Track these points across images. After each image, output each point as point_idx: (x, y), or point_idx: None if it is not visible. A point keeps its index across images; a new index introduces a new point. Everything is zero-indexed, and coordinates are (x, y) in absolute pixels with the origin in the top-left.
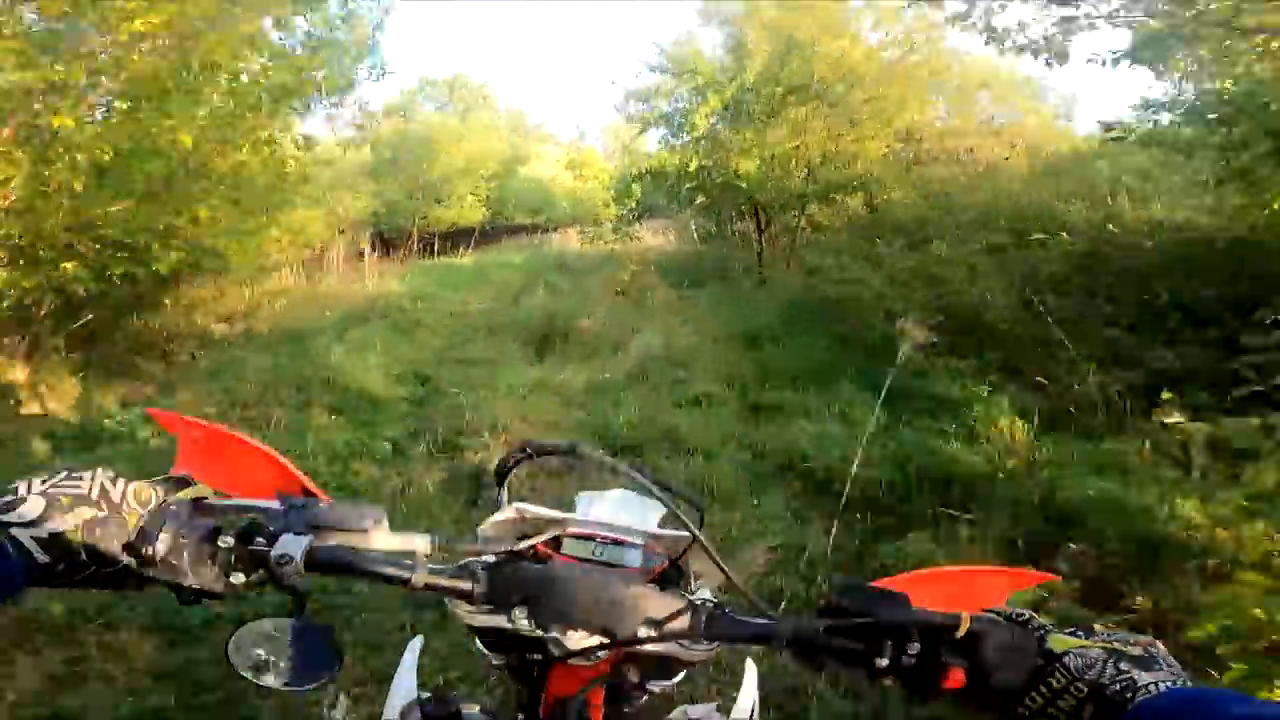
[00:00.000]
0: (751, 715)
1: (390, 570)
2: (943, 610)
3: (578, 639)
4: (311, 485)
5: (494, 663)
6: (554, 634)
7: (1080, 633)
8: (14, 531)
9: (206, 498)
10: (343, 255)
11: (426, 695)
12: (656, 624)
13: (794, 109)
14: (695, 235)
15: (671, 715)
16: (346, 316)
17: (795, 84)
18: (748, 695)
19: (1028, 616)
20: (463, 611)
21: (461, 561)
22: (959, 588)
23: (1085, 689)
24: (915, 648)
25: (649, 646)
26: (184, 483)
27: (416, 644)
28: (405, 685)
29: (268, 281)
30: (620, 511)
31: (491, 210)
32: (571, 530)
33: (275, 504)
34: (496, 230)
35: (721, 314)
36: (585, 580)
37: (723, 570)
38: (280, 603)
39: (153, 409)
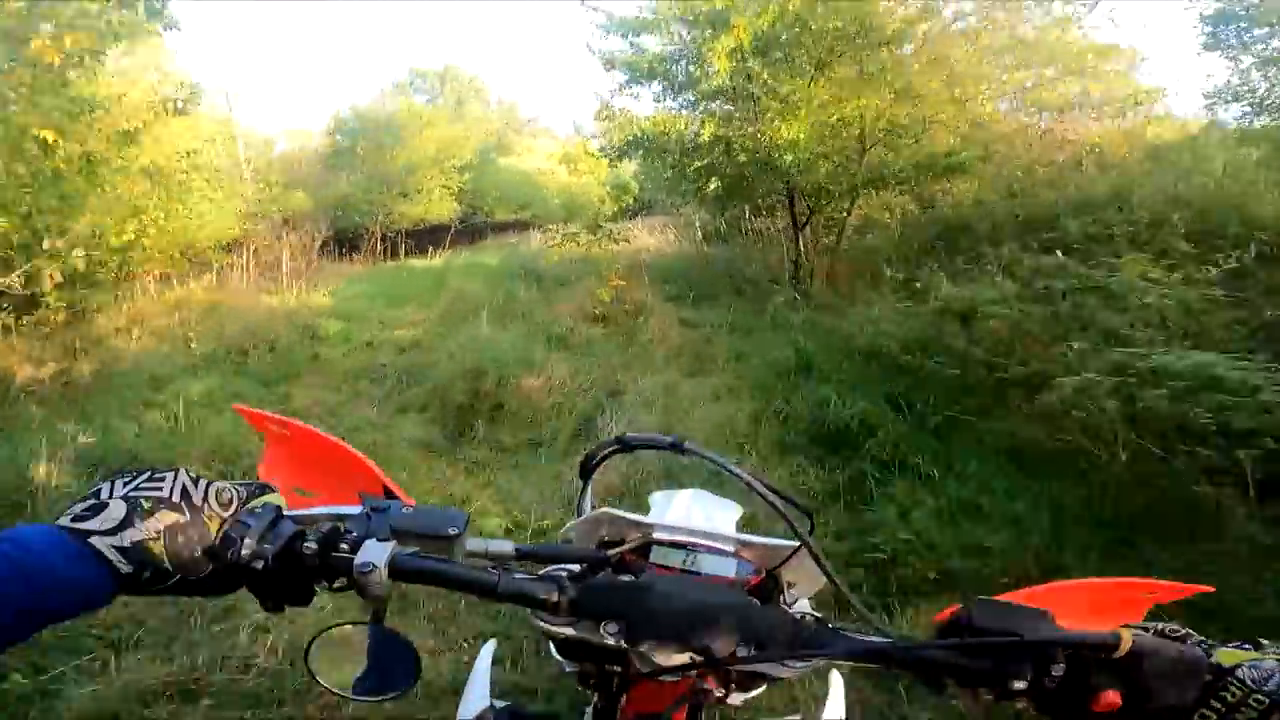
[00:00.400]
0: None
1: (476, 578)
2: (1084, 626)
3: (669, 655)
4: (393, 486)
5: (568, 669)
6: (644, 649)
7: (1248, 646)
8: (93, 541)
9: (282, 506)
10: (256, 262)
11: (502, 705)
12: (759, 642)
13: (866, 54)
14: (700, 234)
15: None
16: (222, 350)
17: (862, 22)
18: (835, 708)
19: (1184, 632)
20: (544, 620)
21: (547, 570)
22: (1097, 601)
23: (1266, 700)
24: (1060, 669)
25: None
26: (265, 488)
27: (489, 648)
28: (478, 691)
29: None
30: (699, 511)
31: (467, 205)
32: (661, 537)
33: (357, 508)
34: (478, 228)
35: (751, 360)
36: (681, 595)
37: (834, 582)
38: None
39: (239, 405)
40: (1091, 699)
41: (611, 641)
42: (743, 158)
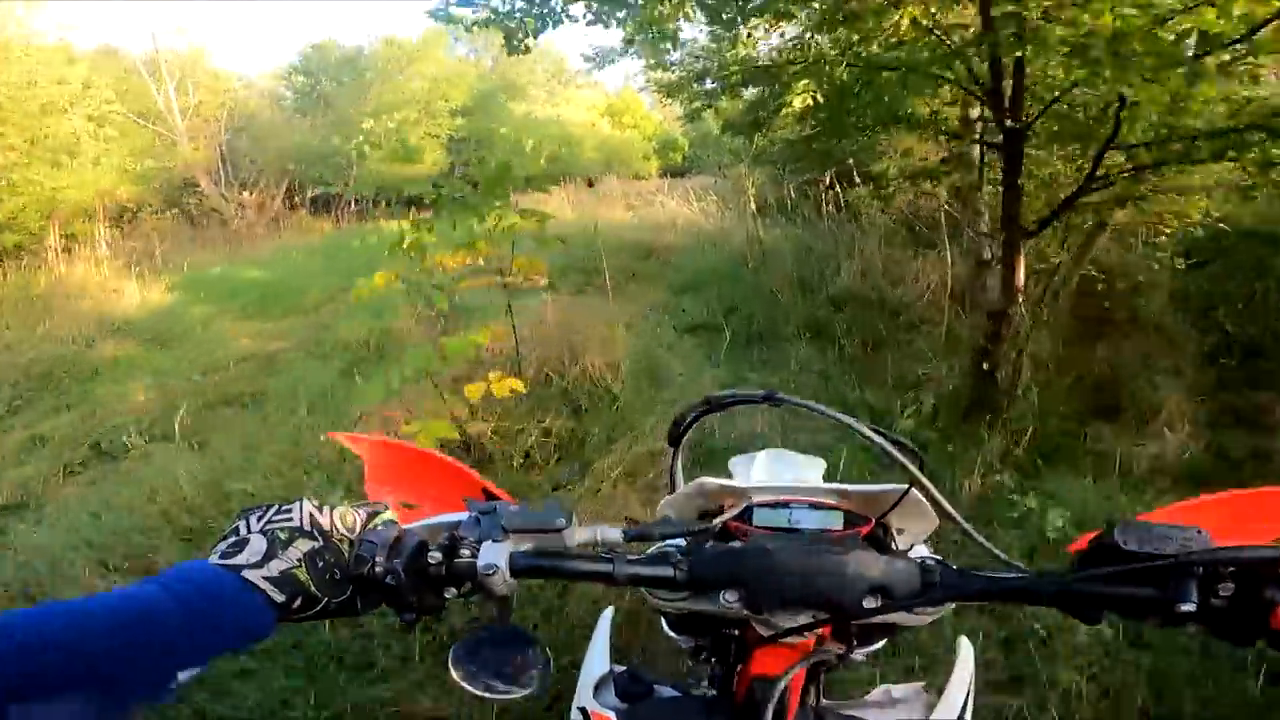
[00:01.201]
0: (966, 700)
1: (592, 567)
2: (1244, 540)
3: (792, 616)
4: (493, 488)
5: (683, 646)
6: (765, 614)
7: None
8: (245, 574)
9: (396, 520)
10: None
11: (620, 669)
12: (886, 592)
13: None
14: (753, 205)
15: (872, 695)
16: None
17: None
18: (962, 677)
19: None
20: (661, 598)
21: (656, 548)
22: (1254, 511)
23: None
24: (1229, 588)
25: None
26: (380, 507)
27: (608, 615)
28: (599, 657)
29: None
30: (786, 470)
31: (467, 156)
32: (760, 499)
33: (464, 514)
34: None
35: None
36: (797, 553)
37: (954, 519)
38: None
39: (334, 433)
40: (1269, 615)
41: (734, 609)
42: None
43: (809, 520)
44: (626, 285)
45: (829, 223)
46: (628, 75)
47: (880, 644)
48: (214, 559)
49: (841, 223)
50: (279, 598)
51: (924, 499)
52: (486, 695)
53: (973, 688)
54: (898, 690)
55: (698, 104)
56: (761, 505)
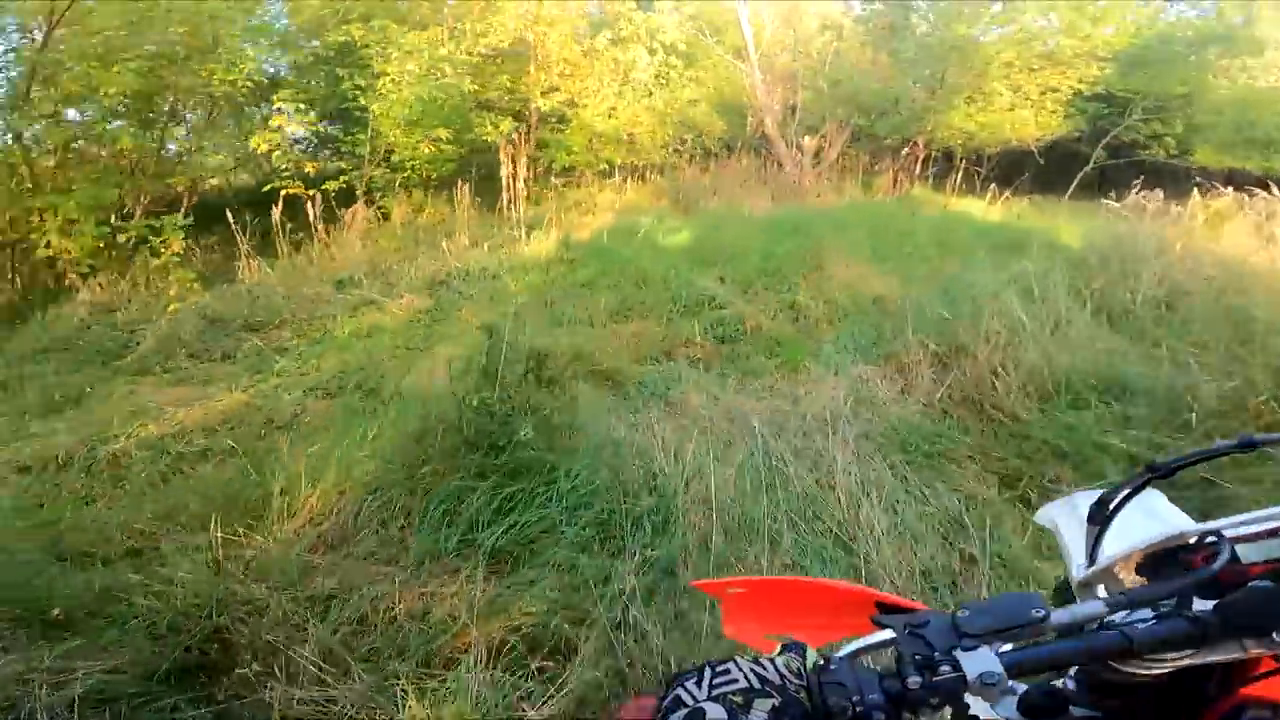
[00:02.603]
0: None
1: (1105, 647)
2: None
3: None
4: (898, 599)
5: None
6: None
7: None
8: None
9: (820, 654)
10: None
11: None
12: None
13: None
14: None
15: None
16: None
17: None
18: None
19: None
20: (1153, 660)
21: (1158, 610)
22: None
23: None
24: None
25: None
26: (801, 646)
27: None
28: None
29: None
30: (1174, 512)
31: (1135, 131)
32: (1236, 533)
33: (885, 634)
34: (1160, 169)
35: None
36: None
37: None
38: None
39: (696, 581)
40: None
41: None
42: None
43: None
44: None
45: None
46: None
47: None
48: None
49: None
50: None
51: None
52: None
53: None
54: None
55: None
56: (1242, 540)
